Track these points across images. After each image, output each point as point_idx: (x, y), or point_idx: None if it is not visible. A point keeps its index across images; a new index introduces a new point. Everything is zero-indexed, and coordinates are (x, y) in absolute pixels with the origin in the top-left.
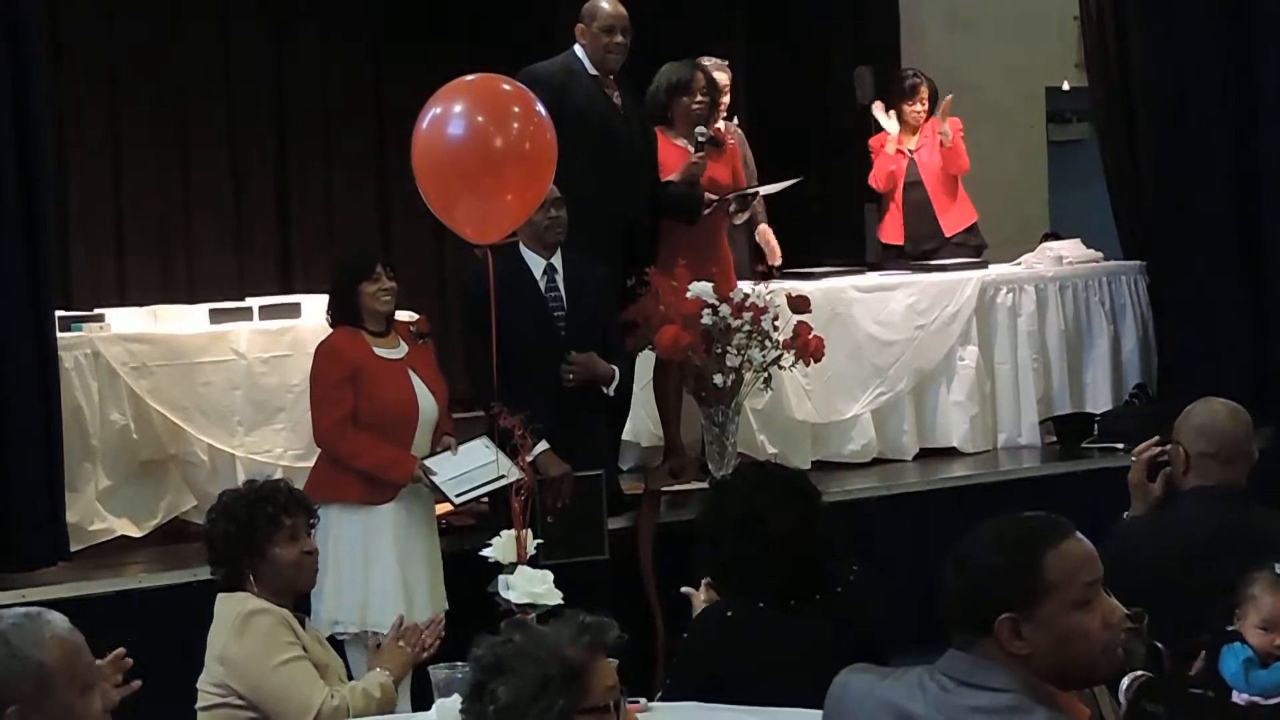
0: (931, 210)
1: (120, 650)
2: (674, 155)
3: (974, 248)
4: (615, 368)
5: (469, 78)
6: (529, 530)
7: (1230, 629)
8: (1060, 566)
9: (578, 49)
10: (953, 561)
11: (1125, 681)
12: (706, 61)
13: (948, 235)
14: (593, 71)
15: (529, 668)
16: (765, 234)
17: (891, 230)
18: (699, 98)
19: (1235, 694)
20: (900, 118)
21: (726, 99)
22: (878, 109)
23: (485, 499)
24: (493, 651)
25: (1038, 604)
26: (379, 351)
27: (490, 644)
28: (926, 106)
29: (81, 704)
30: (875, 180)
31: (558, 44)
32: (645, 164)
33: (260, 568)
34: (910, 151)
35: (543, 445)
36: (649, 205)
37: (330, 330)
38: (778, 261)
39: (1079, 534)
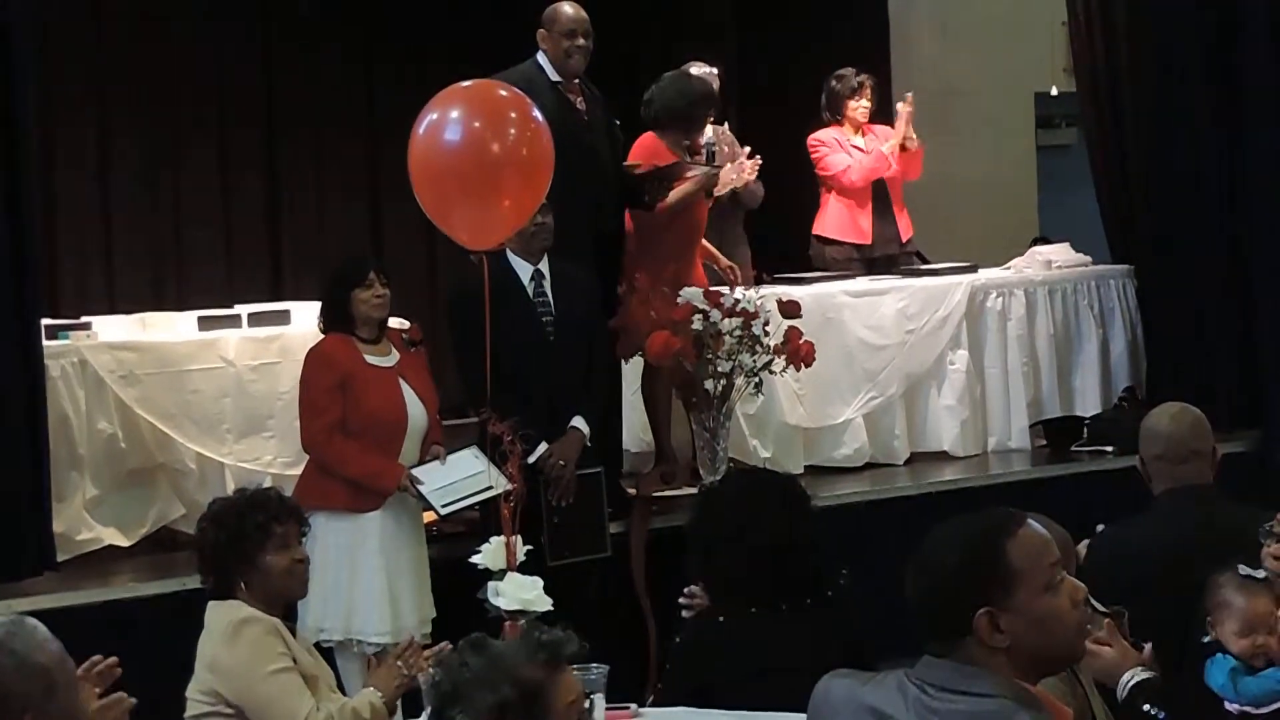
0: (893, 213)
1: (113, 660)
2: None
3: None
4: (580, 428)
5: (465, 84)
6: (519, 536)
7: (1206, 640)
8: (1022, 553)
9: (540, 56)
10: (915, 570)
11: (1125, 677)
12: (694, 70)
13: (904, 240)
14: (555, 78)
15: (484, 694)
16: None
17: (844, 226)
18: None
19: (1227, 702)
20: (845, 116)
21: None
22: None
23: (475, 507)
24: (449, 678)
25: (1010, 593)
26: (370, 359)
27: (448, 669)
28: (871, 105)
29: (76, 706)
30: (855, 175)
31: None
32: (610, 169)
33: (251, 576)
34: (863, 149)
35: (542, 447)
36: (616, 211)
37: (321, 336)
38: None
39: (1031, 521)
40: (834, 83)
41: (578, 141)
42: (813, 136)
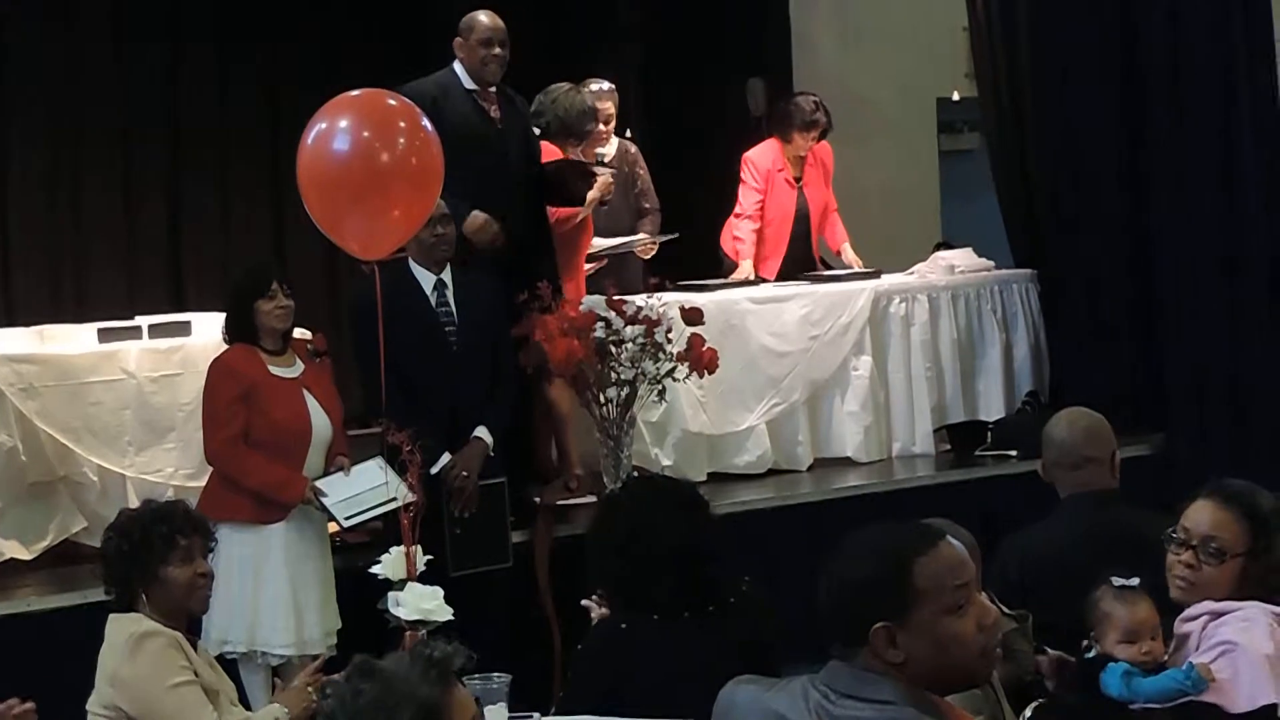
0: (809, 243)
1: (30, 705)
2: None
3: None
4: (483, 438)
5: (354, 93)
6: (419, 547)
7: (1091, 656)
8: (929, 573)
9: (456, 64)
10: (826, 574)
11: (1027, 712)
12: (594, 87)
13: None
14: (470, 85)
15: (383, 718)
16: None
17: (760, 256)
18: (604, 126)
19: (1130, 705)
20: (789, 144)
21: (612, 125)
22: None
23: (380, 518)
24: (344, 709)
25: (909, 612)
26: (274, 370)
27: (340, 697)
28: (816, 140)
29: None
30: (741, 250)
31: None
32: (523, 176)
33: (153, 588)
34: (798, 181)
35: (445, 458)
36: (533, 218)
37: (225, 347)
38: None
39: (950, 538)
40: (791, 106)
41: (490, 149)
42: (750, 156)
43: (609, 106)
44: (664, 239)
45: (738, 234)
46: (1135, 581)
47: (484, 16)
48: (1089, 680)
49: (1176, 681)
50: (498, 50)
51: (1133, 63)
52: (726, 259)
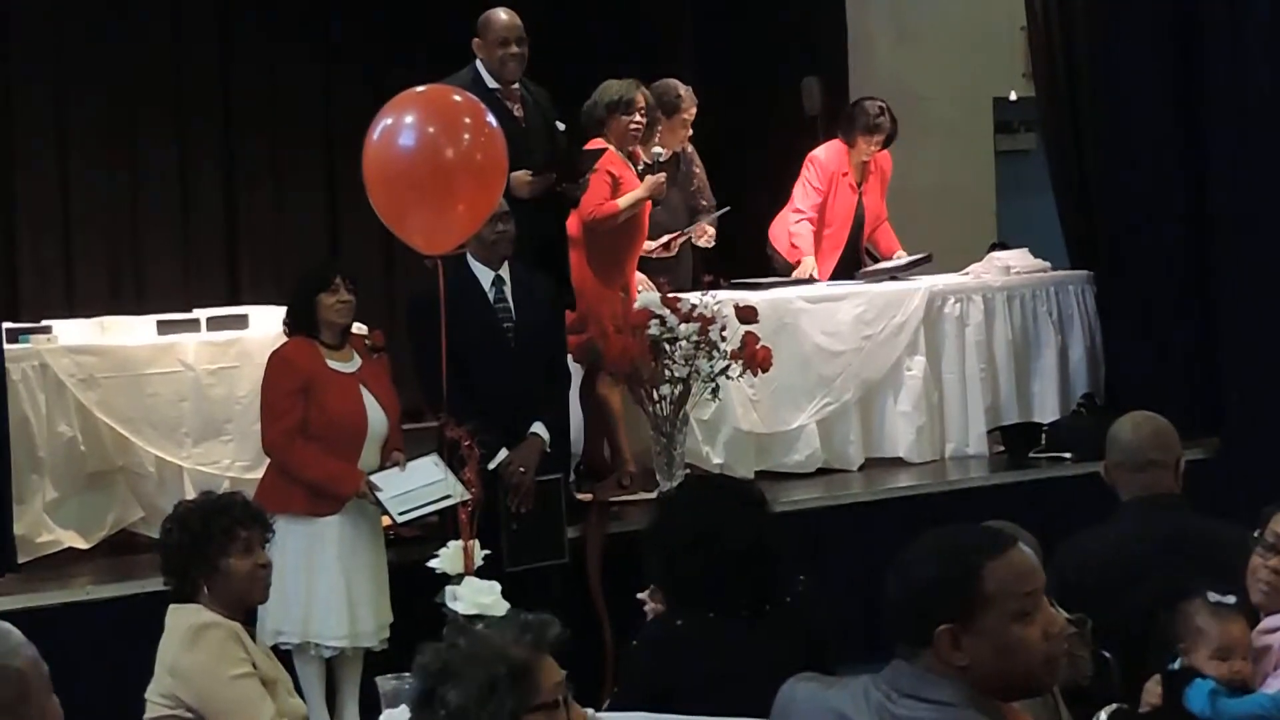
0: (858, 249)
1: None
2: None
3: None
4: (540, 434)
5: (419, 88)
6: (476, 541)
7: (1174, 668)
8: (998, 578)
9: (478, 64)
10: (894, 573)
11: (1103, 715)
12: (683, 91)
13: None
14: (492, 84)
15: (476, 670)
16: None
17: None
18: (638, 118)
19: None
20: (853, 149)
21: (692, 114)
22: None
23: (433, 515)
24: (438, 658)
25: (976, 616)
26: (332, 364)
27: (435, 650)
28: (879, 147)
29: (51, 706)
30: (839, 217)
31: None
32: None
33: (213, 579)
34: (859, 186)
35: (503, 453)
36: (555, 214)
37: (285, 339)
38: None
39: (1021, 545)
40: (856, 109)
41: (515, 147)
42: (816, 156)
43: (691, 110)
44: (718, 213)
45: (796, 233)
46: (1232, 599)
47: (501, 14)
48: (1171, 693)
49: (1262, 707)
50: (515, 49)
51: (1191, 62)
52: (777, 256)
